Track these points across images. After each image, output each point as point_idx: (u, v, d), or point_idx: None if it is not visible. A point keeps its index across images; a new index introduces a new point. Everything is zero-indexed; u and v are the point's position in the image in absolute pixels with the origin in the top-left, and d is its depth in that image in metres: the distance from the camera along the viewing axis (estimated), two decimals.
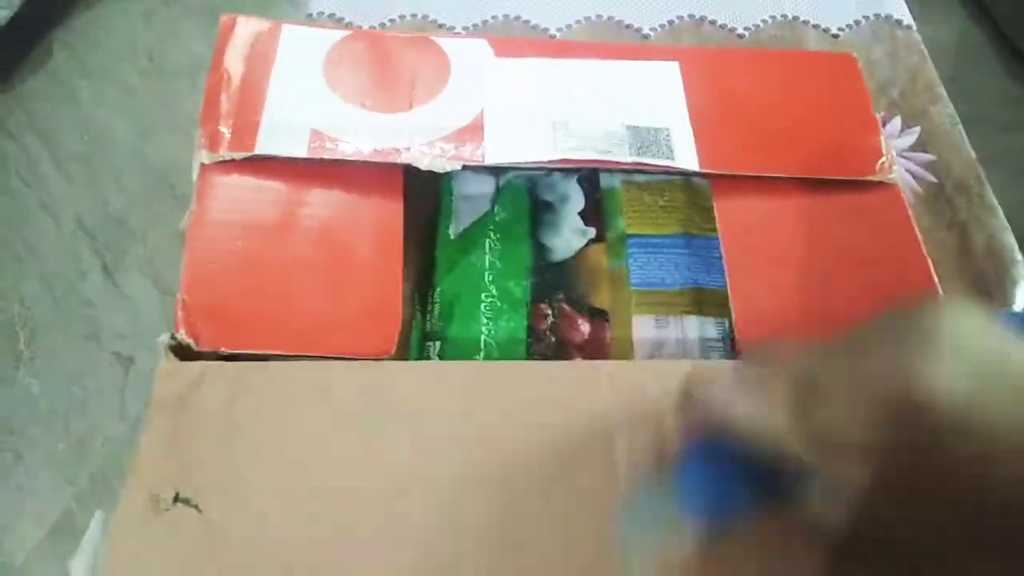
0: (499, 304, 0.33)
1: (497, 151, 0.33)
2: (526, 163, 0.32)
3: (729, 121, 0.35)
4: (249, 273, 0.29)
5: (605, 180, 0.36)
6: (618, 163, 0.33)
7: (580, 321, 0.32)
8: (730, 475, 0.26)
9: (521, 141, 0.33)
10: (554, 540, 0.23)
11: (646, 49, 0.39)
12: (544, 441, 0.26)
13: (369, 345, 0.29)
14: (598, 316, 0.33)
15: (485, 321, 0.32)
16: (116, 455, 1.16)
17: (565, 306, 0.34)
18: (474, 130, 0.33)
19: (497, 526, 0.24)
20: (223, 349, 0.28)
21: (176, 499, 0.22)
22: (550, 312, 0.33)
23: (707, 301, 0.31)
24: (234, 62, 0.34)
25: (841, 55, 0.41)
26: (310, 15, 0.74)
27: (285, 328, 0.29)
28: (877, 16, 0.73)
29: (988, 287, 0.63)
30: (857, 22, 0.73)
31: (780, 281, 0.31)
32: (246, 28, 0.35)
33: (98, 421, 1.19)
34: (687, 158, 0.34)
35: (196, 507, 0.22)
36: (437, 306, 0.33)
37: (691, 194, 0.35)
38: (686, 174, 0.34)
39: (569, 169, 0.36)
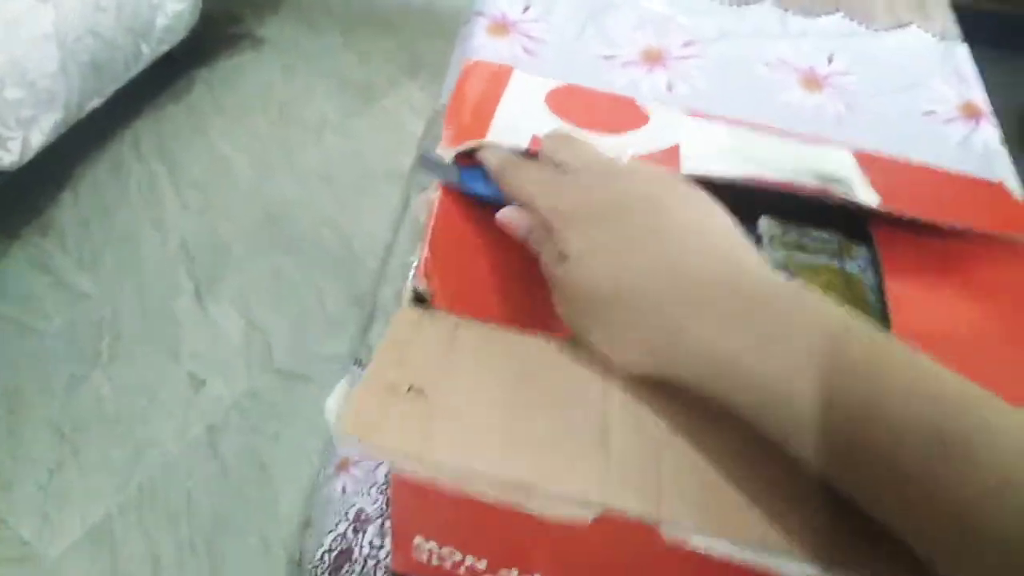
0: None
1: (693, 165, 0.37)
2: (718, 178, 0.36)
3: (905, 191, 0.39)
4: (473, 263, 0.34)
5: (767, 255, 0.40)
6: (804, 188, 0.37)
7: None
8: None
9: (714, 163, 0.37)
10: None
11: (819, 139, 0.42)
12: None
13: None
14: None
15: None
16: (168, 471, 1.17)
17: None
18: (671, 152, 0.38)
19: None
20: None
21: (409, 389, 0.27)
22: None
23: None
24: (472, 89, 0.41)
25: (990, 183, 0.43)
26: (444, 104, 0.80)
27: (499, 314, 0.33)
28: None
29: None
30: None
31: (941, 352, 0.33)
32: (484, 68, 0.43)
33: (158, 435, 1.19)
34: (868, 199, 0.37)
35: (423, 392, 0.27)
36: None
37: (847, 281, 0.38)
38: (865, 213, 0.37)
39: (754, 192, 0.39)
